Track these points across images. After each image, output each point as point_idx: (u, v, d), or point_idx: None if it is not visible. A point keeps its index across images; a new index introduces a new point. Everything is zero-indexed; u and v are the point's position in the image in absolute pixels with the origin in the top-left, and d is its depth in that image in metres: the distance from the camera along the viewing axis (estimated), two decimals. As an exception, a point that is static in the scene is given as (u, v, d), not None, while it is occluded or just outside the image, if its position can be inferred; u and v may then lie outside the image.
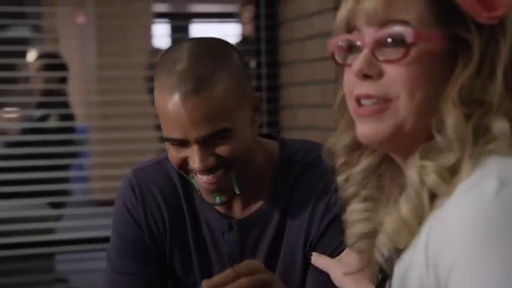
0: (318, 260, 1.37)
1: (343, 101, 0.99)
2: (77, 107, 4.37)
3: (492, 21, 0.82)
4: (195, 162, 1.58)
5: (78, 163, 4.34)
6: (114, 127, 3.84)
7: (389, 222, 0.89)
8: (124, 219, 1.81)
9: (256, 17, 3.52)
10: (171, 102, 1.53)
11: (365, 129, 0.92)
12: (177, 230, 1.76)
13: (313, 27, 3.18)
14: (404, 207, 0.87)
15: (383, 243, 0.90)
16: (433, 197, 0.88)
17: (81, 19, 4.85)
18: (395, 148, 0.91)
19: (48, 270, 3.71)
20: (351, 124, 0.97)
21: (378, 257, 0.93)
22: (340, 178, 1.02)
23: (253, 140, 1.64)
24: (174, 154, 1.63)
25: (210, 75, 1.54)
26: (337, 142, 1.02)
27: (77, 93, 4.67)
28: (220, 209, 1.59)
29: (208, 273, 1.69)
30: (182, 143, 1.58)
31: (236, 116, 1.58)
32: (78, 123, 4.28)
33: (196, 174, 1.60)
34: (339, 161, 1.01)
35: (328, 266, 1.30)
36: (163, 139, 1.63)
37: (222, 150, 1.58)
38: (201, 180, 1.58)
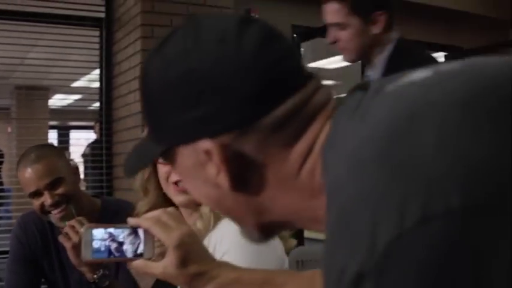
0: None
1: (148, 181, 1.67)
2: (5, 178, 6.31)
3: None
4: (47, 201, 2.26)
5: (6, 208, 5.67)
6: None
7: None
8: (14, 242, 2.52)
9: (101, 129, 4.74)
10: (27, 171, 2.27)
11: (183, 198, 1.57)
12: (45, 247, 2.46)
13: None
14: (201, 224, 1.56)
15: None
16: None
17: (8, 130, 6.66)
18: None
19: None
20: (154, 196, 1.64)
21: None
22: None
23: (78, 188, 2.40)
24: (36, 202, 2.30)
25: (44, 154, 2.32)
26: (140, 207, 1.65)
27: (5, 170, 6.44)
28: None
29: (64, 271, 2.45)
30: (37, 193, 2.28)
31: (63, 172, 2.30)
32: (5, 187, 6.08)
33: (50, 212, 2.26)
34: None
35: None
36: (28, 197, 2.31)
37: (61, 190, 2.28)
38: (54, 214, 2.25)
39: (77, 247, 2.08)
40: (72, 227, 2.09)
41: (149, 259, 1.23)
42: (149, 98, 0.84)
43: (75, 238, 2.09)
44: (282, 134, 0.77)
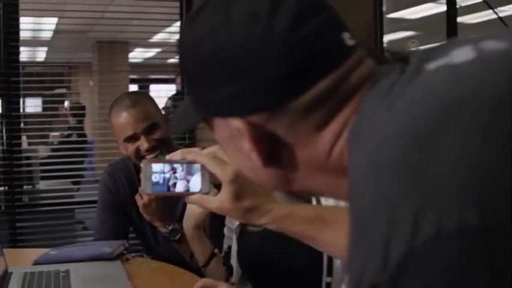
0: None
1: None
2: (88, 130, 6.70)
3: None
4: (143, 145, 2.32)
5: (89, 159, 5.66)
6: (107, 140, 4.70)
7: None
8: (104, 191, 2.59)
9: (183, 81, 4.64)
10: (122, 116, 2.33)
11: None
12: (133, 195, 2.38)
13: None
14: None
15: None
16: None
17: (90, 84, 6.79)
18: None
19: (71, 217, 4.76)
20: None
21: None
22: None
23: (170, 138, 2.41)
24: (131, 147, 2.34)
25: (139, 99, 2.40)
26: None
27: (88, 122, 6.82)
28: None
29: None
30: (133, 137, 2.33)
31: (158, 118, 2.38)
32: (89, 138, 6.26)
33: (144, 157, 2.29)
34: None
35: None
36: (123, 141, 2.36)
37: (157, 135, 2.34)
38: (148, 160, 1.90)
39: (147, 206, 2.24)
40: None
41: (206, 194, 1.28)
42: (184, 68, 0.84)
43: (145, 198, 2.22)
44: (312, 117, 0.76)
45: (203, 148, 1.33)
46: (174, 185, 1.29)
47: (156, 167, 1.30)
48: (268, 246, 1.73)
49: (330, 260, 1.61)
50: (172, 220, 2.34)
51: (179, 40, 0.86)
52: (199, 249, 1.93)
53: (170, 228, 2.31)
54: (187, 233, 1.91)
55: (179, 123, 0.98)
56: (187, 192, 1.29)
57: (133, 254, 2.31)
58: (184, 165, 1.29)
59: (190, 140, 4.46)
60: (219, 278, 1.85)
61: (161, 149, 2.29)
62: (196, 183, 1.28)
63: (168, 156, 1.37)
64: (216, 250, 1.95)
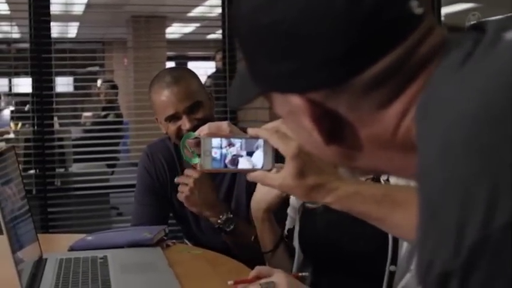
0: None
1: None
2: (123, 110, 6.63)
3: None
4: (185, 125, 2.26)
5: (124, 141, 5.63)
6: (143, 121, 4.86)
7: None
8: (143, 173, 2.56)
9: (223, 58, 4.78)
10: (163, 93, 2.28)
11: None
12: (174, 179, 2.36)
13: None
14: None
15: None
16: None
17: (125, 62, 6.75)
18: None
19: (106, 202, 4.92)
20: None
21: None
22: None
23: (214, 117, 2.39)
24: (172, 127, 2.31)
25: (182, 75, 2.34)
26: None
27: (122, 102, 6.83)
28: None
29: None
30: (175, 117, 2.29)
31: (202, 96, 2.33)
32: (124, 119, 6.40)
33: None
34: None
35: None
36: (164, 120, 2.32)
37: (200, 114, 2.29)
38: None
39: (190, 197, 2.20)
40: (187, 176, 2.16)
41: (268, 171, 1.27)
42: (240, 39, 0.82)
43: (191, 183, 2.17)
44: (376, 95, 0.74)
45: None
46: (231, 161, 1.29)
47: (216, 141, 1.30)
48: (331, 229, 1.73)
49: (396, 247, 1.60)
50: (225, 208, 2.31)
51: (233, 8, 0.84)
52: (269, 234, 1.91)
53: (224, 218, 2.27)
54: (257, 216, 1.90)
55: (236, 96, 0.96)
56: (249, 169, 1.29)
57: (174, 240, 2.31)
58: (243, 141, 1.29)
59: (232, 120, 4.47)
60: (284, 265, 1.85)
61: None
62: (258, 159, 1.28)
63: (196, 132, 1.39)
64: (285, 234, 1.95)
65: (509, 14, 0.73)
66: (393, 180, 1.49)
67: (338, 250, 1.74)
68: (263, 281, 1.53)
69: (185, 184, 2.25)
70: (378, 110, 0.76)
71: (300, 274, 1.73)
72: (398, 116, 0.75)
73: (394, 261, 1.60)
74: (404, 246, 1.59)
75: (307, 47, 0.74)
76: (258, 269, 1.63)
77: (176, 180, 2.28)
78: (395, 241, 1.59)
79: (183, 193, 2.25)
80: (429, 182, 0.63)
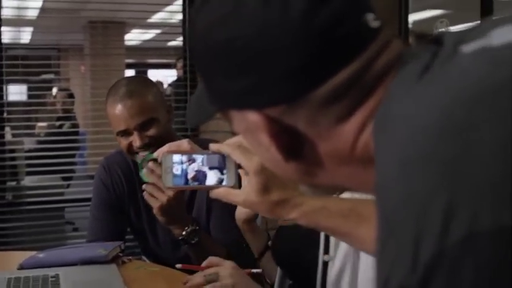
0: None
1: None
2: (79, 120, 6.52)
3: None
4: (136, 142, 2.25)
5: (81, 153, 5.71)
6: (100, 131, 4.71)
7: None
8: (99, 186, 2.53)
9: (184, 66, 4.62)
10: (117, 107, 2.25)
11: None
12: (131, 192, 2.47)
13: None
14: None
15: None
16: None
17: (81, 69, 6.87)
18: None
19: (61, 216, 4.78)
20: None
21: None
22: None
23: (171, 128, 2.37)
24: (124, 142, 2.30)
25: (137, 89, 2.29)
26: None
27: (79, 112, 6.75)
28: None
29: (152, 219, 2.39)
30: (126, 132, 2.27)
31: (157, 112, 2.28)
32: (80, 129, 6.29)
33: (138, 152, 2.25)
34: None
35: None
36: (116, 135, 2.29)
37: (152, 131, 2.27)
38: (141, 155, 2.23)
39: (163, 207, 2.13)
40: (157, 187, 2.11)
41: (231, 187, 1.28)
42: (196, 57, 0.83)
43: (162, 198, 2.12)
44: (334, 109, 0.75)
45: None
46: (197, 177, 1.30)
47: (177, 158, 1.31)
48: (302, 239, 1.74)
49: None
50: (190, 220, 2.28)
51: (189, 27, 0.85)
52: (253, 243, 1.95)
53: (189, 230, 2.24)
54: (240, 226, 1.92)
55: (194, 113, 0.97)
56: (211, 186, 1.29)
57: (130, 257, 2.29)
58: (205, 156, 1.30)
59: (193, 131, 4.46)
60: (273, 270, 1.90)
61: (156, 146, 2.24)
62: (220, 175, 1.29)
63: (156, 153, 1.40)
64: (270, 242, 1.97)
65: (478, 22, 0.74)
66: (357, 195, 1.51)
67: (310, 262, 1.72)
68: (208, 271, 1.57)
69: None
70: (337, 125, 0.76)
71: (252, 271, 1.77)
72: (357, 131, 0.76)
73: (326, 250, 1.63)
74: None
75: (263, 63, 0.75)
76: (210, 259, 1.69)
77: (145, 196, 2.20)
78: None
79: (157, 201, 2.17)
80: (387, 196, 0.64)
